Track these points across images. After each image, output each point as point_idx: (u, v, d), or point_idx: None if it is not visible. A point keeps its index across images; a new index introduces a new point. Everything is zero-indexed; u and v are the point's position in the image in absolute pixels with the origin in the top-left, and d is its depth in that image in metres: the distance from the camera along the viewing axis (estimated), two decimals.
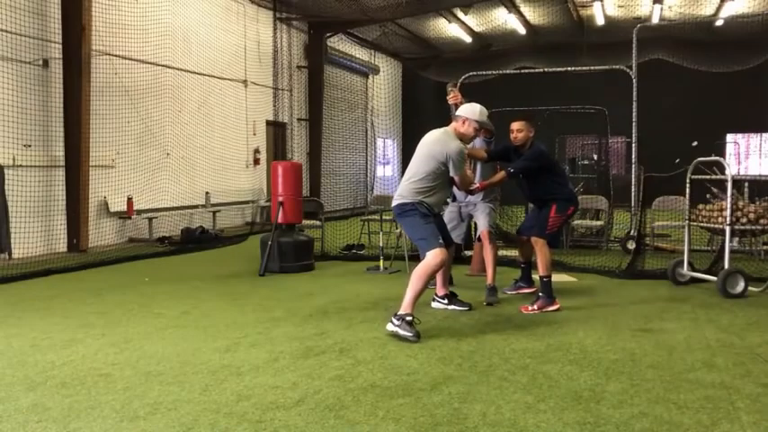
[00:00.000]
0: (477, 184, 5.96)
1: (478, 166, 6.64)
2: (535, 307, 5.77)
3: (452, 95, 6.42)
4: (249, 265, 8.57)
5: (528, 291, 6.46)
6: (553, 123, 13.44)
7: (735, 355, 4.46)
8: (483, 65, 16.87)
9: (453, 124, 5.47)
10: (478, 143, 6.24)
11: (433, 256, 5.00)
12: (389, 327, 4.92)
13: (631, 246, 8.83)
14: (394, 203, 5.39)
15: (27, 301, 6.38)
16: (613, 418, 3.34)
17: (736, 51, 16.75)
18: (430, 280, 5.17)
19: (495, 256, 6.37)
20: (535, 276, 6.26)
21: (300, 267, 8.09)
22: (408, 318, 4.86)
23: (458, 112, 5.54)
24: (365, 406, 3.52)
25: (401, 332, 4.81)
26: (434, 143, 5.34)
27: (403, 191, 5.34)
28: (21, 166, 9.26)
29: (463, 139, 5.40)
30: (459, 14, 17.44)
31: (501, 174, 6.11)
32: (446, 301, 5.91)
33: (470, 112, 5.41)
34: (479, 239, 6.66)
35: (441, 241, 5.12)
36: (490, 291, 6.17)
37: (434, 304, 5.94)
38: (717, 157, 7.74)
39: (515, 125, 6.05)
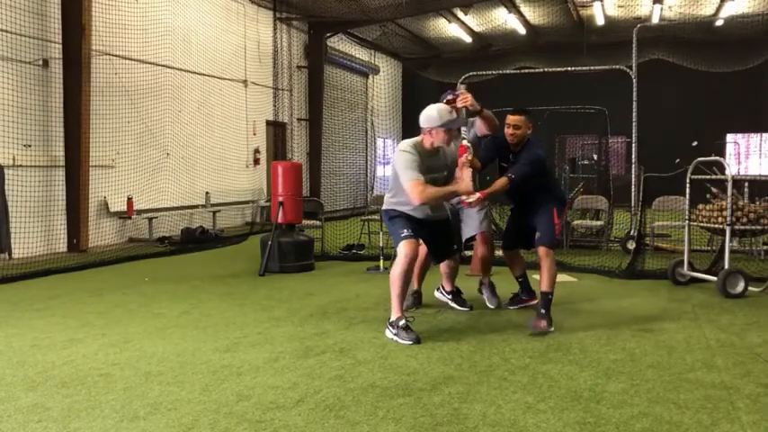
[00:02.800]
0: (478, 195, 5.04)
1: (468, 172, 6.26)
2: (545, 325, 5.10)
3: (462, 99, 5.31)
4: (249, 265, 8.57)
5: (533, 303, 5.80)
6: (553, 123, 13.45)
7: (735, 355, 4.46)
8: (483, 65, 16.93)
9: (422, 136, 4.93)
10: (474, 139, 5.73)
11: (400, 251, 4.85)
12: (387, 334, 4.90)
13: (631, 246, 8.82)
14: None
15: (27, 301, 6.37)
16: (613, 418, 3.34)
17: (736, 51, 16.76)
18: (408, 277, 4.96)
19: (490, 257, 6.09)
20: (535, 287, 5.81)
21: (300, 267, 8.09)
22: (402, 322, 4.81)
23: (420, 123, 4.92)
24: (365, 406, 3.52)
25: (400, 341, 4.76)
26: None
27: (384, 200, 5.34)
28: (21, 166, 9.26)
29: (443, 146, 4.93)
30: (460, 14, 17.43)
31: (502, 180, 5.31)
32: (450, 297, 5.90)
33: (430, 119, 4.85)
34: (474, 238, 6.42)
35: (406, 233, 4.86)
36: (490, 291, 6.06)
37: (437, 293, 5.94)
38: (717, 157, 7.73)
39: (513, 119, 5.34)
